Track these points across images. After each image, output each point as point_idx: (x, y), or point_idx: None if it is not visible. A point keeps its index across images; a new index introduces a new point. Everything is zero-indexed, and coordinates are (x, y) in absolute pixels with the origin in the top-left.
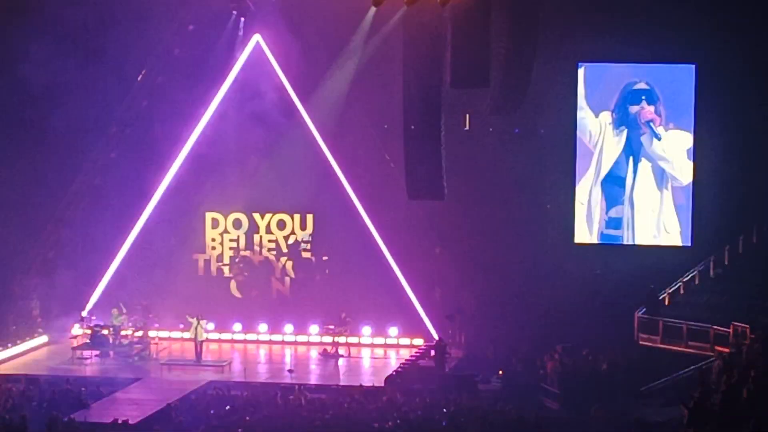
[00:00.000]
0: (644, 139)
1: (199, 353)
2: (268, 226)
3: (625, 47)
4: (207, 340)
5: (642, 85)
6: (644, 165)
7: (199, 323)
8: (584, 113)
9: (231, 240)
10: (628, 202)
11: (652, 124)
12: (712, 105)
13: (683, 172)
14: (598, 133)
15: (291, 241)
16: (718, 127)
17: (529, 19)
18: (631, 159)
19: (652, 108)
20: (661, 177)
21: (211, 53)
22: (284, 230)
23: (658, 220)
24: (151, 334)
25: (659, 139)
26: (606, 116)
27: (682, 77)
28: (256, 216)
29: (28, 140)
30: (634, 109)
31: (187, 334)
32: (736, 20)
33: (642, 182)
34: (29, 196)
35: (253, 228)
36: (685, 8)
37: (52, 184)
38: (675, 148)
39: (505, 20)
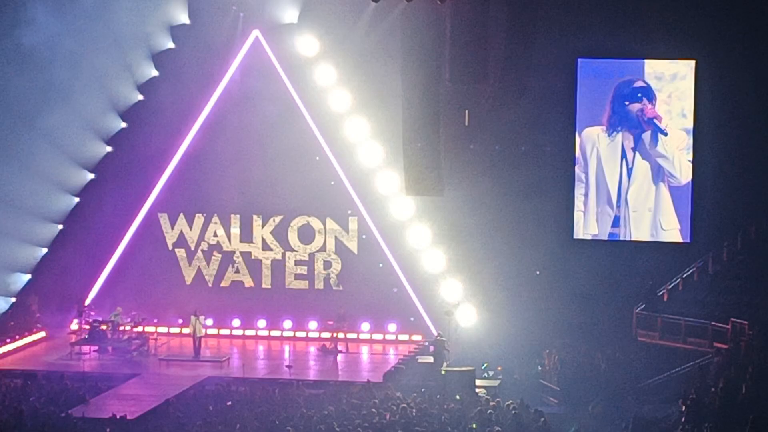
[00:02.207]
0: (645, 136)
1: (197, 349)
2: (266, 224)
3: (625, 43)
4: (206, 335)
5: (640, 83)
6: (641, 164)
7: (197, 319)
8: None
9: (225, 237)
10: (624, 201)
11: (656, 121)
12: (712, 101)
13: (682, 170)
14: (591, 143)
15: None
16: (717, 123)
17: (528, 15)
18: (626, 159)
19: (651, 105)
20: (657, 175)
21: (209, 48)
22: (284, 228)
23: (654, 218)
24: (149, 329)
25: (666, 135)
26: (595, 130)
27: (681, 73)
28: (254, 216)
29: (22, 135)
30: (635, 107)
31: (186, 330)
32: (737, 16)
33: (638, 181)
34: (28, 191)
35: (250, 225)
36: (686, 4)
37: (49, 180)
38: (673, 146)
39: (503, 16)
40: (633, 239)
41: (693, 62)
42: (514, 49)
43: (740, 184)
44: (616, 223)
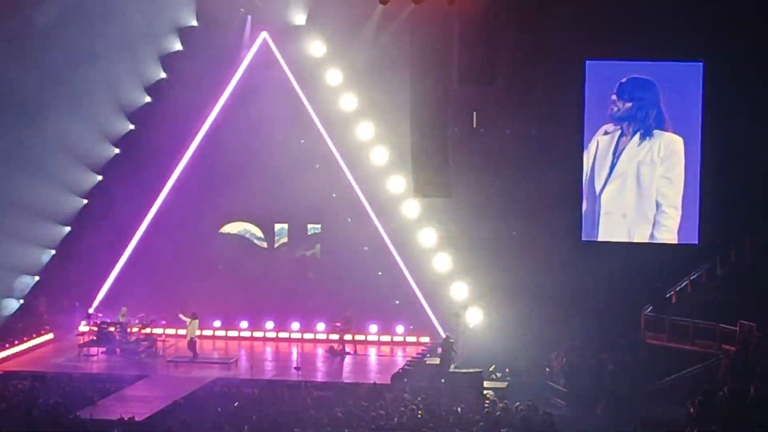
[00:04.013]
0: (635, 137)
1: (193, 350)
2: (274, 227)
3: (633, 45)
4: (200, 336)
5: (637, 81)
6: (624, 165)
7: (191, 322)
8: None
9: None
10: (600, 201)
11: (647, 121)
12: (720, 103)
13: (673, 173)
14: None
15: (299, 254)
16: (725, 125)
17: (536, 17)
18: (614, 159)
19: (646, 105)
20: (646, 177)
21: (217, 51)
22: (292, 231)
23: (634, 220)
24: (157, 331)
25: (651, 136)
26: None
27: (689, 75)
28: (262, 219)
29: (31, 136)
30: (626, 105)
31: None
32: (745, 18)
33: (623, 182)
34: (35, 192)
35: (259, 228)
36: (694, 5)
37: (57, 181)
38: (664, 148)
39: (512, 18)
40: (602, 239)
41: (701, 64)
42: (522, 51)
43: (748, 186)
44: (592, 223)
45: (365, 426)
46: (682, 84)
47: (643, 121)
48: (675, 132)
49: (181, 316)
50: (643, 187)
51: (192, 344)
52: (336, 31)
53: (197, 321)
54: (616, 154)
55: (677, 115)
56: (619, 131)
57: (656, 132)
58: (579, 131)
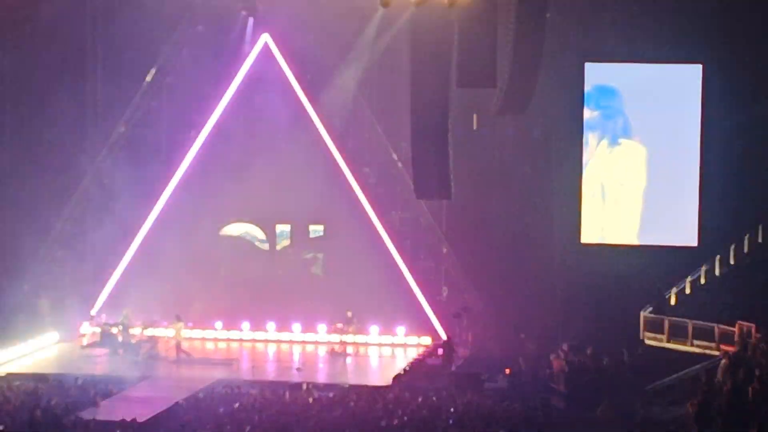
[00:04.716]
0: (603, 142)
1: (186, 353)
2: (275, 229)
3: (632, 47)
4: (186, 338)
5: (607, 86)
6: (595, 168)
7: (176, 324)
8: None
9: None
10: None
11: (616, 125)
12: (719, 105)
13: (638, 176)
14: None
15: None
16: (724, 126)
17: (536, 20)
18: (587, 162)
19: (613, 114)
20: (612, 180)
21: (219, 53)
22: (293, 234)
23: (609, 221)
24: (160, 332)
25: (618, 143)
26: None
27: (688, 77)
28: (264, 221)
29: (34, 138)
30: (595, 112)
31: (198, 333)
32: (744, 19)
33: (590, 184)
34: (38, 194)
35: (260, 230)
36: (693, 7)
37: (61, 182)
38: (628, 156)
39: (511, 20)
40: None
41: (700, 66)
42: (521, 53)
43: (748, 187)
44: (592, 226)
45: (366, 427)
46: (681, 85)
47: (611, 129)
48: (639, 140)
49: (165, 324)
50: (606, 194)
51: (177, 347)
52: (337, 32)
53: (182, 323)
54: (590, 163)
55: (647, 122)
56: (593, 139)
57: (621, 140)
58: (579, 133)
